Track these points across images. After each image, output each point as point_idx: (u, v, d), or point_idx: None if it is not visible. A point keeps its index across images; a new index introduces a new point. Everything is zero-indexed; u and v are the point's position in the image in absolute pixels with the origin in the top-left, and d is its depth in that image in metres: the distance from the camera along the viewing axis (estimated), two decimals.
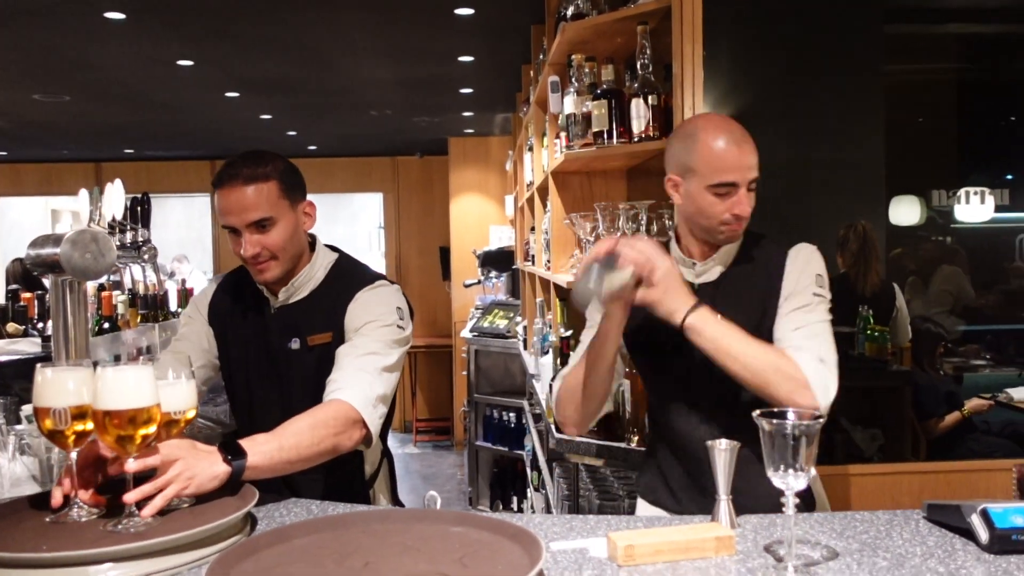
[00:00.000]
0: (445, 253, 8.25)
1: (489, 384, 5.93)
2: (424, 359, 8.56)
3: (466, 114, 6.66)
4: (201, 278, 10.13)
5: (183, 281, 3.85)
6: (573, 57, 2.84)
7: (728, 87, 3.68)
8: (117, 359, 2.87)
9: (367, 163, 8.98)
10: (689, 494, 1.80)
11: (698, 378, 1.73)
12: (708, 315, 1.60)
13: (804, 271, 1.70)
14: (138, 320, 3.21)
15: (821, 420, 1.24)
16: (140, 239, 1.84)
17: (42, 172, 9.01)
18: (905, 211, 4.07)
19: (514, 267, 6.27)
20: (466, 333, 6.10)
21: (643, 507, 1.93)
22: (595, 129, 2.62)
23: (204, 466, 1.43)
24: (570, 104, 2.80)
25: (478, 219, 7.97)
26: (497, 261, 6.68)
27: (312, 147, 8.45)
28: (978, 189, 4.21)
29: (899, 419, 3.59)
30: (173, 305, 3.62)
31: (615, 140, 2.58)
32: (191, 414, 1.56)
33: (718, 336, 1.59)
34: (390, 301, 1.89)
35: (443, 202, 8.36)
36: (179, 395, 1.53)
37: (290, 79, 5.22)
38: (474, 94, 5.76)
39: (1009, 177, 4.40)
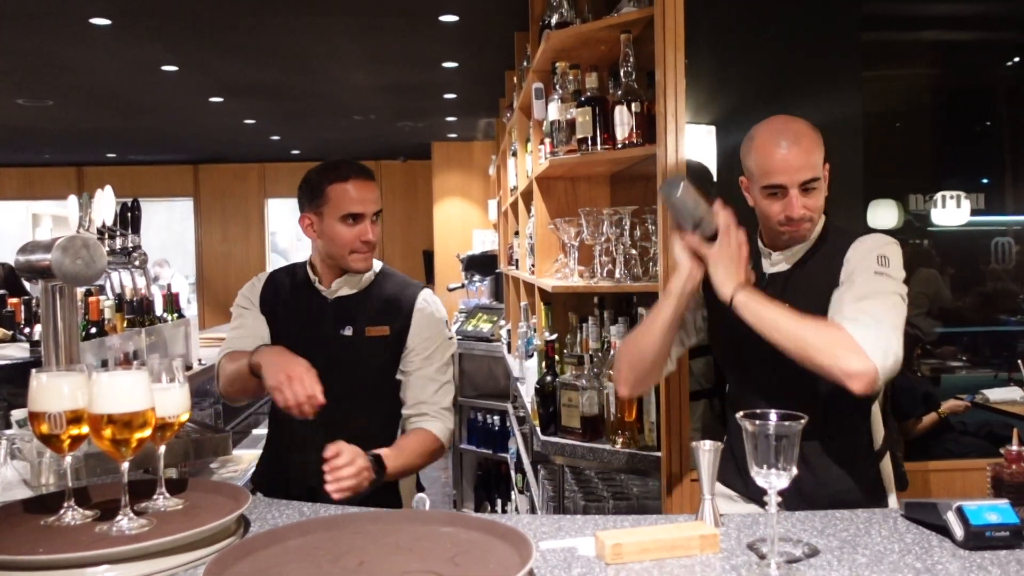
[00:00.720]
0: (429, 257, 8.27)
1: (473, 387, 5.95)
2: None
3: (450, 119, 6.70)
4: (183, 282, 10.10)
5: (168, 286, 3.85)
6: (557, 65, 2.88)
7: (710, 95, 3.73)
8: (104, 364, 2.87)
9: None
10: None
11: (770, 368, 1.72)
12: (756, 293, 1.63)
13: (866, 255, 1.69)
14: (124, 325, 3.21)
15: (802, 421, 1.28)
16: (130, 245, 1.86)
17: (23, 176, 8.96)
18: (883, 215, 4.13)
19: (498, 271, 6.30)
20: None
21: (717, 487, 1.97)
22: (579, 136, 2.65)
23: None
24: (554, 111, 2.83)
25: (461, 223, 8.00)
26: (481, 265, 6.69)
27: (295, 151, 8.46)
28: (954, 193, 4.27)
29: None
30: (159, 309, 3.63)
31: (599, 147, 2.62)
32: (184, 417, 1.58)
33: (762, 310, 1.60)
34: (442, 313, 2.20)
35: (426, 206, 8.39)
36: (173, 399, 1.54)
37: (274, 84, 5.23)
38: (458, 99, 5.80)
39: (985, 181, 4.47)
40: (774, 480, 1.27)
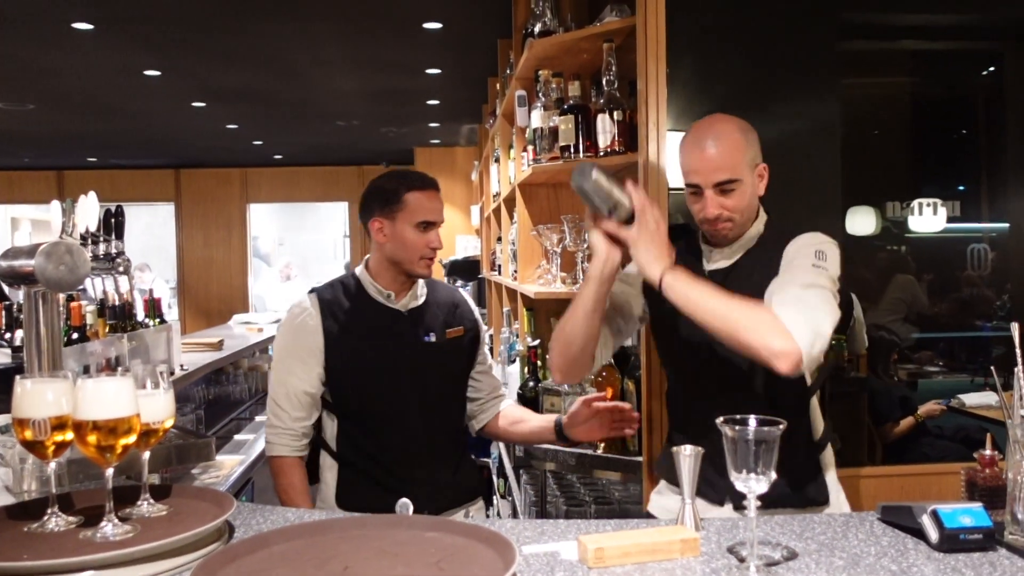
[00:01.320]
0: None
1: None
2: None
3: (432, 124, 6.71)
4: (164, 287, 10.03)
5: (151, 291, 3.83)
6: (540, 72, 2.90)
7: (690, 101, 3.75)
8: (86, 370, 2.86)
9: (333, 172, 8.98)
10: (703, 476, 1.75)
11: (709, 362, 1.74)
12: (683, 273, 1.61)
13: (803, 248, 1.70)
14: (106, 330, 3.19)
15: (781, 427, 1.31)
16: (113, 251, 1.86)
17: (2, 180, 8.89)
18: (861, 222, 4.16)
19: (480, 276, 6.31)
20: None
21: (662, 487, 1.98)
22: (562, 143, 2.68)
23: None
24: (537, 118, 2.85)
25: (444, 228, 7.91)
26: (463, 270, 6.70)
27: (278, 156, 8.44)
28: (931, 200, 4.31)
29: (856, 425, 3.66)
30: (141, 314, 3.60)
31: (582, 154, 2.64)
32: (168, 423, 1.58)
33: (690, 290, 1.59)
34: None
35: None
36: (157, 405, 1.54)
37: (257, 89, 5.22)
38: (441, 105, 5.81)
39: (961, 188, 4.51)
40: (753, 485, 1.29)
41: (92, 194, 1.95)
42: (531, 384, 2.78)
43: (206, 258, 8.94)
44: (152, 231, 12.04)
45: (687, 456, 1.49)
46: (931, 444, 3.77)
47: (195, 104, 5.60)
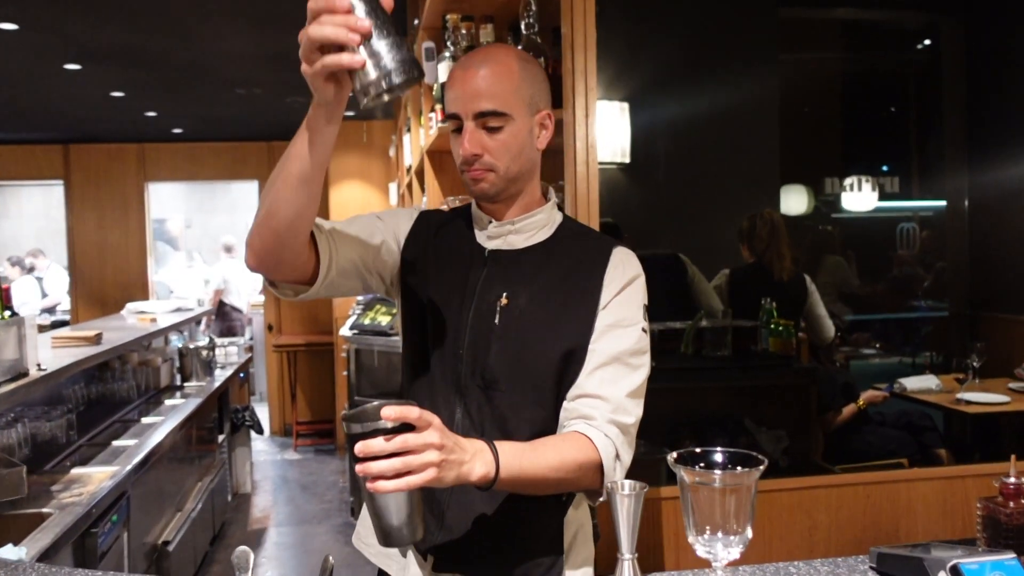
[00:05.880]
0: None
1: (372, 385, 5.52)
2: (304, 358, 8.05)
3: None
4: (61, 274, 9.29)
5: None
6: (448, 17, 2.47)
7: (621, 69, 3.40)
8: None
9: (240, 148, 8.37)
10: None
11: (470, 366, 1.42)
12: (509, 449, 1.24)
13: (634, 299, 1.41)
14: None
15: (763, 467, 0.92)
16: None
17: None
18: (794, 201, 3.97)
19: None
20: (345, 331, 5.66)
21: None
22: None
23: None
24: (444, 71, 2.43)
25: (360, 208, 7.50)
26: None
27: (177, 130, 7.78)
28: (866, 178, 4.15)
29: (804, 418, 3.42)
30: None
31: None
32: None
33: (523, 468, 1.24)
34: None
35: (324, 190, 7.88)
36: None
37: (139, 50, 4.65)
38: None
39: (887, 167, 4.37)
40: (720, 551, 0.91)
41: None
42: None
43: (100, 241, 8.25)
44: (49, 213, 11.22)
45: (626, 496, 1.09)
46: (873, 431, 3.65)
47: (68, 67, 4.98)
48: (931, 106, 4.40)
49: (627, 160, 3.37)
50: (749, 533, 0.92)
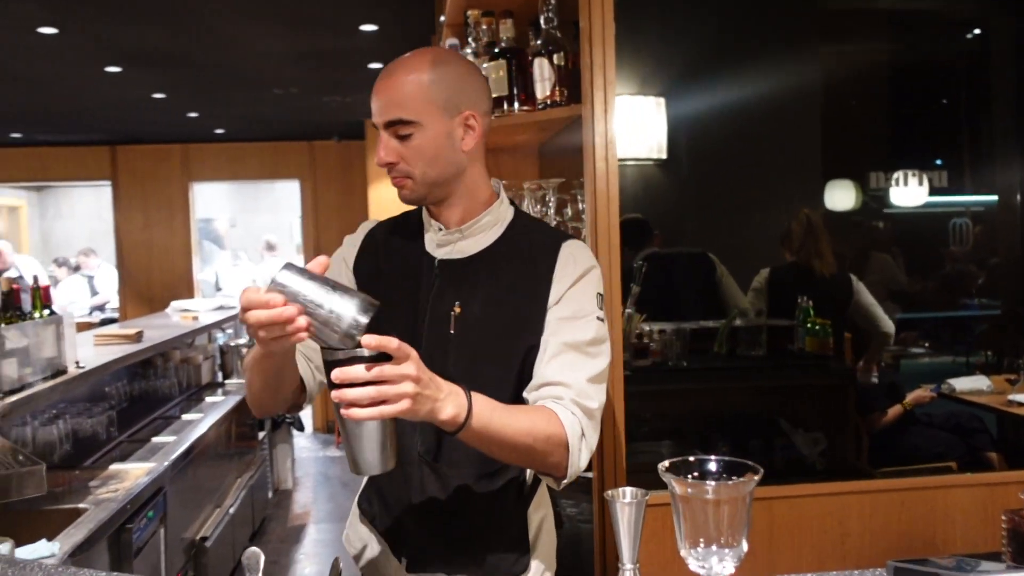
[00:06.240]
0: None
1: None
2: None
3: None
4: (111, 273, 9.49)
5: (35, 278, 3.35)
6: (469, 13, 2.44)
7: (657, 63, 3.34)
8: None
9: (282, 148, 8.45)
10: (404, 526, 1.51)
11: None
12: (482, 402, 1.25)
13: (586, 291, 1.41)
14: None
15: (759, 476, 0.87)
16: None
17: None
18: (840, 196, 3.88)
19: None
20: None
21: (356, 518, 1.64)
22: (493, 94, 2.22)
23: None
24: None
25: (399, 206, 7.48)
26: None
27: (219, 131, 7.89)
28: (914, 172, 4.05)
29: (842, 420, 3.33)
30: (28, 305, 3.14)
31: (516, 106, 2.20)
32: None
33: (491, 423, 1.25)
34: None
35: (362, 188, 7.91)
36: None
37: (176, 52, 4.71)
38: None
39: (940, 161, 4.25)
40: (714, 565, 0.86)
41: None
42: None
43: (146, 240, 8.41)
44: (100, 214, 11.46)
45: (627, 504, 1.06)
46: (920, 433, 3.56)
47: (109, 69, 5.06)
48: (981, 97, 4.28)
49: (663, 156, 3.31)
50: (744, 546, 0.87)
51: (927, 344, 4.15)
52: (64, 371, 3.25)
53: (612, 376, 2.00)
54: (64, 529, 2.49)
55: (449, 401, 1.18)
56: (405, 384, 1.11)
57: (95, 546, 2.53)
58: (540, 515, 1.50)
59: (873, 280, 3.71)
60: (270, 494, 5.72)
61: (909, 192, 4.04)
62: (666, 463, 0.89)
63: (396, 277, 1.49)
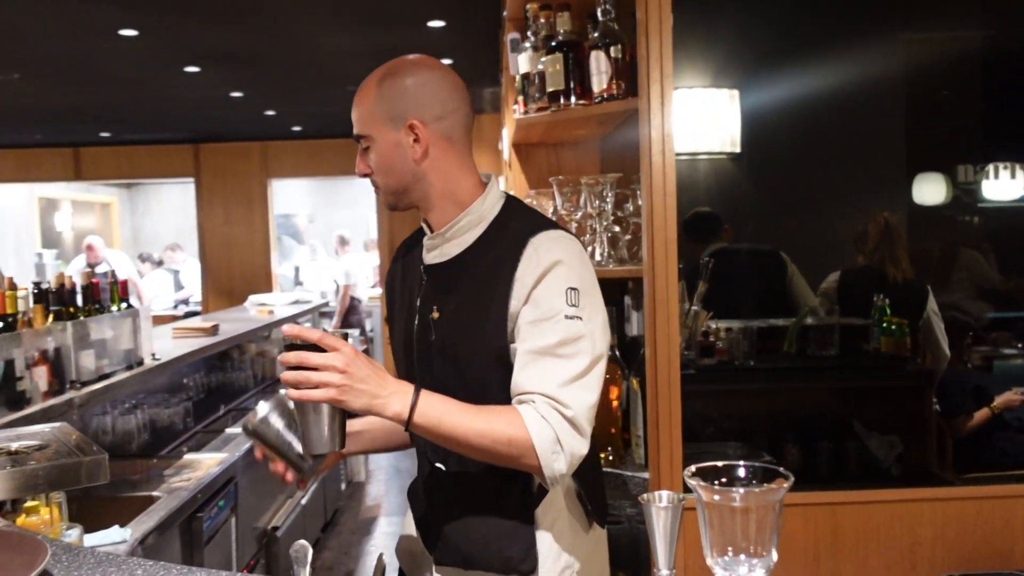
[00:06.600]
0: None
1: None
2: None
3: None
4: (195, 268, 9.79)
5: (112, 273, 3.47)
6: (528, 7, 2.42)
7: (731, 55, 3.27)
8: (9, 365, 2.50)
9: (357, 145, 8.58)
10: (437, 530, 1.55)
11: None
12: (430, 398, 1.32)
13: (552, 287, 1.37)
14: (51, 319, 2.84)
15: (789, 483, 0.83)
16: None
17: (19, 157, 8.66)
18: (929, 190, 3.73)
19: None
20: None
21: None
22: (550, 88, 2.20)
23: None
24: (525, 62, 2.38)
25: None
26: None
27: (296, 128, 8.05)
28: (1007, 164, 3.88)
29: (920, 423, 3.20)
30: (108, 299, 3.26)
31: (572, 100, 2.17)
32: None
33: (443, 419, 1.32)
34: None
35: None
36: None
37: (251, 51, 4.82)
38: (454, 66, 5.32)
39: None
40: (744, 575, 0.83)
41: None
42: None
43: (227, 236, 8.65)
44: (185, 210, 11.84)
45: (662, 508, 1.02)
46: (1009, 439, 3.39)
47: (188, 69, 5.21)
48: None
49: (736, 150, 3.24)
50: (774, 556, 0.83)
51: (1021, 344, 3.97)
52: (140, 363, 3.36)
53: (668, 376, 1.97)
54: (136, 516, 2.56)
55: (394, 399, 1.28)
56: (329, 374, 1.24)
57: (166, 533, 2.60)
58: (552, 516, 1.48)
59: (962, 277, 3.56)
60: (343, 486, 5.82)
61: (1003, 185, 3.87)
62: (692, 468, 0.86)
63: (402, 287, 1.57)
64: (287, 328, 1.27)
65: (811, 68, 3.43)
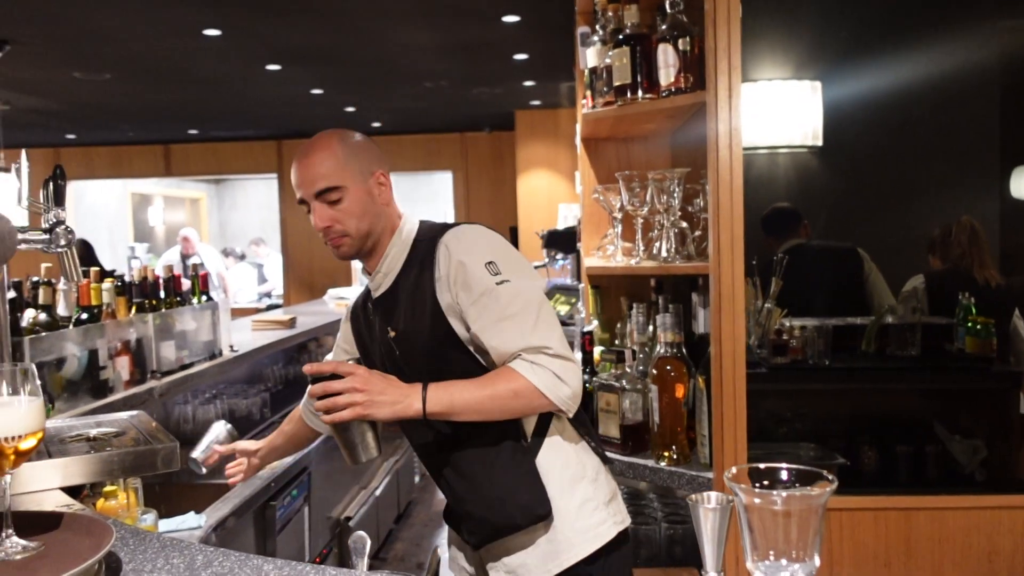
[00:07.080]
0: (515, 233, 7.88)
1: None
2: None
3: (528, 84, 6.23)
4: (278, 262, 10.04)
5: (194, 267, 3.58)
6: (596, 1, 2.40)
7: (813, 45, 3.17)
8: (92, 355, 2.61)
9: (435, 140, 8.66)
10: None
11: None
12: (437, 389, 1.54)
13: (472, 272, 1.58)
14: (133, 310, 2.94)
15: (832, 486, 0.80)
16: (52, 220, 1.54)
17: (112, 155, 9.02)
18: None
19: (578, 248, 5.84)
20: None
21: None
22: (616, 82, 2.17)
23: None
24: (592, 56, 2.36)
25: (547, 197, 7.54)
26: (562, 242, 6.23)
27: (376, 124, 8.17)
28: None
29: (1007, 427, 3.06)
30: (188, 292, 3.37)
31: (640, 94, 2.14)
32: (30, 442, 1.22)
33: (453, 399, 1.53)
34: None
35: (512, 178, 7.97)
36: (11, 418, 1.19)
37: (330, 49, 4.91)
38: (530, 60, 5.32)
39: None
40: None
41: (23, 156, 1.65)
42: (584, 378, 2.32)
43: (308, 230, 8.79)
44: (271, 205, 12.15)
45: (711, 510, 1.00)
46: None
47: (269, 67, 5.34)
48: None
49: (819, 143, 3.15)
50: (816, 561, 0.80)
51: None
52: (219, 354, 3.46)
53: (733, 375, 1.93)
54: (212, 503, 2.64)
55: (411, 399, 1.50)
56: (351, 395, 1.48)
57: (240, 520, 2.67)
58: (550, 460, 1.65)
59: None
60: (416, 479, 5.88)
61: None
62: (733, 470, 0.83)
63: (368, 330, 1.78)
64: (306, 368, 1.51)
65: (898, 58, 3.30)
